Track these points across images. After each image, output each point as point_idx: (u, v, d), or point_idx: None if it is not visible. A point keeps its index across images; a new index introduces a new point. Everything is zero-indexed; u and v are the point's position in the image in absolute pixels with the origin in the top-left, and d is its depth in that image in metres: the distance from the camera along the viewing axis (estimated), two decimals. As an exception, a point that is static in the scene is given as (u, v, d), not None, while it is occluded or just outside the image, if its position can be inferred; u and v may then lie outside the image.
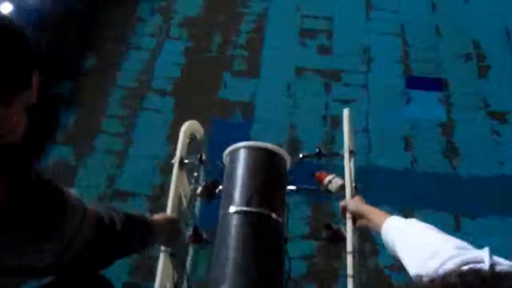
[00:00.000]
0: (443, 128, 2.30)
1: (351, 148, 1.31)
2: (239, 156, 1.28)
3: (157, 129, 2.27)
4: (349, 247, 1.15)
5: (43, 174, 0.86)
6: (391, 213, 1.14)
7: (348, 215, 1.20)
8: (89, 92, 2.43)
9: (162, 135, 2.24)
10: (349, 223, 1.19)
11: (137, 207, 1.96)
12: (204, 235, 1.33)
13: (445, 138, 2.27)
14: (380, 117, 2.33)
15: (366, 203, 1.20)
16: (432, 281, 0.60)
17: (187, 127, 1.35)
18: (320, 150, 1.37)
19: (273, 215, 1.19)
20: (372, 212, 1.16)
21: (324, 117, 2.32)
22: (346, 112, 1.38)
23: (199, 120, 1.47)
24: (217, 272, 1.12)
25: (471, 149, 2.23)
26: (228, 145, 1.33)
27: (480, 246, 0.85)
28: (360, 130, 2.23)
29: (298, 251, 1.75)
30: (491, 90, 2.44)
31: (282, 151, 1.31)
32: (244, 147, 1.29)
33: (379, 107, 2.37)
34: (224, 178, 1.30)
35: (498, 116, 2.34)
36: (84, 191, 1.97)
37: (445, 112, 2.36)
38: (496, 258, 0.78)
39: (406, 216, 1.09)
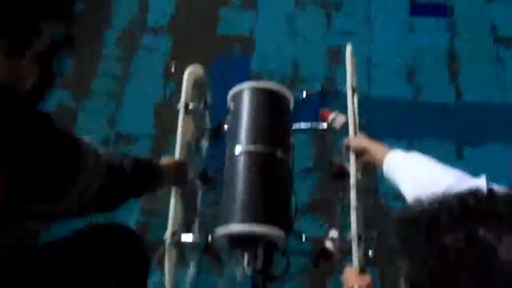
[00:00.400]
0: (448, 55, 2.26)
1: (354, 85, 1.30)
2: (243, 97, 1.28)
3: (155, 68, 2.24)
4: (352, 179, 1.18)
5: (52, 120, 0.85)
6: (394, 144, 1.16)
7: (351, 152, 1.23)
8: (83, 34, 2.35)
9: (160, 74, 2.21)
10: (352, 157, 1.21)
11: (139, 149, 1.99)
12: (212, 175, 1.37)
13: (450, 66, 2.23)
14: (383, 47, 2.28)
15: (369, 139, 1.22)
16: (431, 204, 0.61)
17: (190, 72, 1.34)
18: (322, 88, 1.36)
19: (278, 153, 1.22)
20: (375, 148, 1.18)
21: (326, 50, 2.26)
22: (348, 48, 1.35)
23: (197, 58, 1.45)
24: (226, 209, 1.17)
25: (475, 76, 2.20)
26: (229, 83, 1.32)
27: (483, 175, 0.88)
28: (363, 61, 2.19)
29: (303, 186, 1.80)
30: (499, 15, 2.35)
31: (285, 90, 1.31)
32: (248, 87, 1.29)
33: (382, 37, 2.31)
34: (229, 119, 1.31)
35: (506, 42, 2.28)
36: (86, 135, 1.98)
37: (449, 39, 2.30)
38: (494, 186, 0.80)
39: (409, 147, 1.11)
